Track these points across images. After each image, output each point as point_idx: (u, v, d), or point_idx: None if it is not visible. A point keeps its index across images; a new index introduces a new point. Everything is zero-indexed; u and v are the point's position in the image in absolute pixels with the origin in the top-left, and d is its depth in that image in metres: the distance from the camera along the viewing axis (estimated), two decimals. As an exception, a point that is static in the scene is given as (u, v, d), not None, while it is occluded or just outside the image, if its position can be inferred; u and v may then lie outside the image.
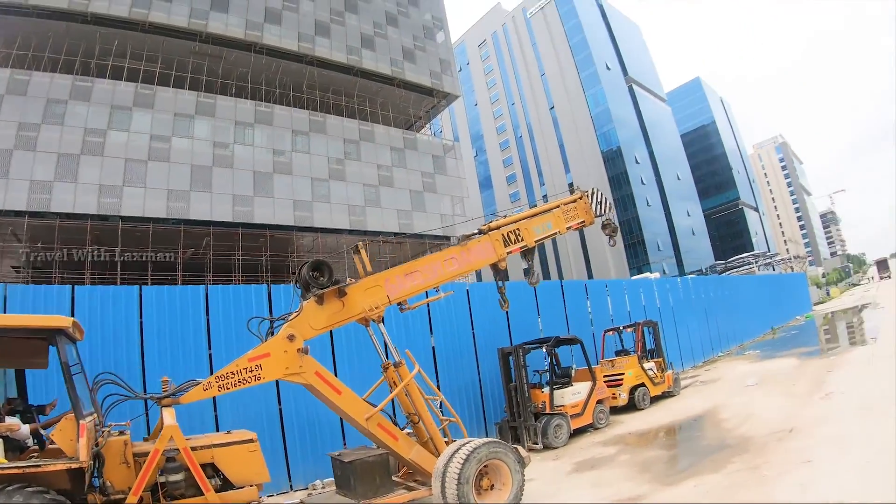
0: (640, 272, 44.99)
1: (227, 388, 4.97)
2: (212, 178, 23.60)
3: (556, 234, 8.49)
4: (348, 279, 5.96)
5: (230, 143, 24.85)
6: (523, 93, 68.74)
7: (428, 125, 37.54)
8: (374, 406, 5.66)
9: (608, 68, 64.48)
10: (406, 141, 32.28)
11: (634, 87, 68.76)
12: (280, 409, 7.99)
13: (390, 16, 33.97)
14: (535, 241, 7.93)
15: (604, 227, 9.20)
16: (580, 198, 8.89)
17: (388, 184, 29.99)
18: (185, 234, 20.93)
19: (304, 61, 28.18)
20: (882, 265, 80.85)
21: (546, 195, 58.23)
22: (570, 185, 59.65)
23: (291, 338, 5.27)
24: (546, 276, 59.40)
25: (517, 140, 69.02)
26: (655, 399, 11.60)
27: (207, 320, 7.81)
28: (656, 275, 32.98)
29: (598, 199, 9.08)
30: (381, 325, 5.96)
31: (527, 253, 7.98)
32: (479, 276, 42.96)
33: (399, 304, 6.34)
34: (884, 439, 5.50)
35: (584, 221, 8.86)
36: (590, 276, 53.21)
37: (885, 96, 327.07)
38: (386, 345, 6.07)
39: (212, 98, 25.08)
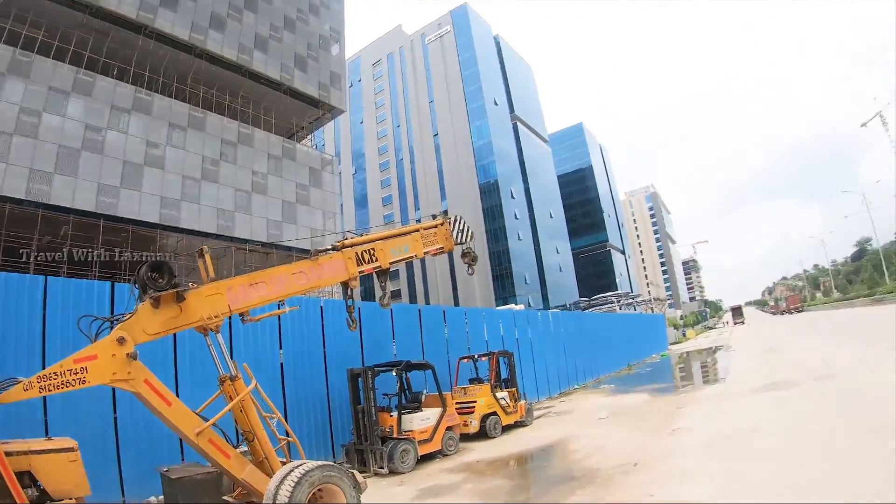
0: (506, 303, 49.50)
1: (50, 390, 4.90)
2: (79, 162, 23.34)
3: (412, 257, 8.80)
4: (190, 284, 5.90)
5: (103, 127, 24.64)
6: (410, 116, 73.04)
7: (310, 136, 38.58)
8: (208, 420, 5.66)
9: (496, 104, 70.66)
10: (285, 149, 33.33)
11: (519, 124, 75.80)
12: (115, 417, 7.73)
13: (289, 20, 34.97)
14: (390, 263, 8.19)
15: (464, 255, 9.79)
16: (441, 224, 9.34)
17: (261, 191, 30.90)
18: (42, 220, 20.75)
19: (194, 53, 28.49)
20: (737, 311, 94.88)
21: (420, 219, 62.38)
22: (445, 212, 64.97)
23: (121, 341, 5.23)
24: (412, 299, 63.40)
25: (398, 162, 72.78)
26: (507, 428, 12.25)
27: (44, 315, 7.51)
28: (521, 306, 35.25)
29: (460, 227, 9.57)
30: (219, 335, 5.99)
31: (381, 274, 8.24)
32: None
33: (242, 314, 6.44)
34: (726, 476, 6.02)
35: (443, 248, 9.27)
36: (456, 303, 57.06)
37: (754, 157, 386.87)
38: (223, 357, 6.15)
39: (91, 77, 24.76)
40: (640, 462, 7.27)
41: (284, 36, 34.49)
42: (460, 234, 9.49)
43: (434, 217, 9.68)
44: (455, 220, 9.59)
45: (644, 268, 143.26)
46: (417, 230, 8.98)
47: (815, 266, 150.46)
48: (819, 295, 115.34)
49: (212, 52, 29.46)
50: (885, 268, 58.71)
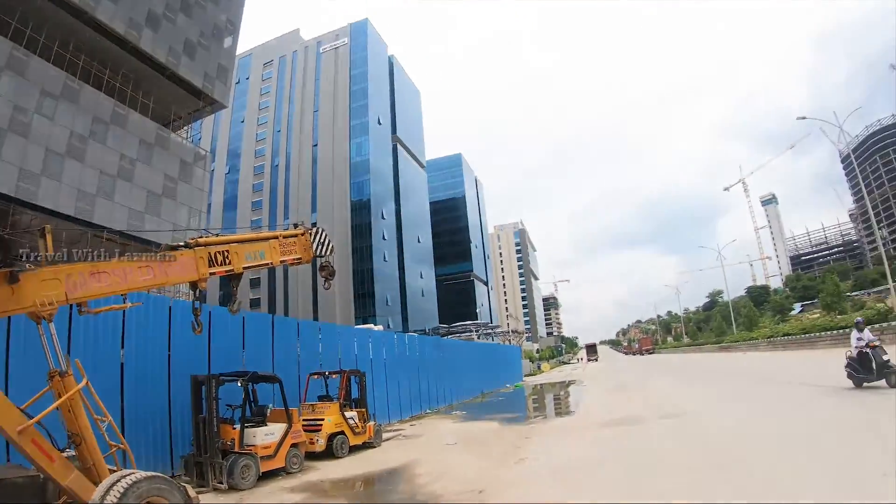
0: (366, 322, 51.52)
1: None
2: (-68, 119, 21.28)
3: (268, 264, 8.86)
4: (28, 265, 5.68)
5: (-38, 81, 22.79)
6: (292, 123, 74.38)
7: (187, 128, 37.98)
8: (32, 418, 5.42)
9: (379, 123, 73.93)
10: (158, 137, 32.70)
11: (399, 146, 79.82)
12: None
13: (186, 2, 34.30)
14: (244, 268, 8.17)
15: (322, 268, 10.05)
16: (302, 234, 9.48)
17: (127, 177, 30.23)
18: None
19: (82, 19, 27.56)
20: (591, 349, 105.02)
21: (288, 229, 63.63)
22: (314, 224, 67.01)
23: None
24: (272, 310, 63.76)
25: (273, 168, 73.55)
26: (355, 449, 12.33)
27: None
28: (380, 327, 36.28)
29: (321, 240, 9.72)
30: (52, 325, 5.77)
31: (232, 278, 8.21)
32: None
33: (79, 305, 6.29)
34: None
35: (300, 258, 9.40)
36: (316, 318, 58.19)
37: (622, 207, 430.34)
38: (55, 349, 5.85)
39: (-44, 24, 22.86)
40: (485, 489, 7.53)
41: (179, 18, 33.86)
42: (320, 247, 9.75)
43: (295, 226, 9.82)
44: (316, 232, 9.81)
45: (505, 300, 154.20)
46: (276, 237, 9.12)
47: (669, 312, 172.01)
48: (670, 339, 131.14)
49: (100, 21, 28.48)
50: (732, 318, 68.15)
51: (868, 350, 12.99)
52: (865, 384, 13.16)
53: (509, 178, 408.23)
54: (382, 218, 71.20)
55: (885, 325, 25.26)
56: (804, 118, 33.82)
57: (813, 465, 6.80)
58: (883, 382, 12.80)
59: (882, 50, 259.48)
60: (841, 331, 30.00)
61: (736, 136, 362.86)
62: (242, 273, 8.31)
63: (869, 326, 24.08)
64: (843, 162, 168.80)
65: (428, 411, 21.29)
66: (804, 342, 35.59)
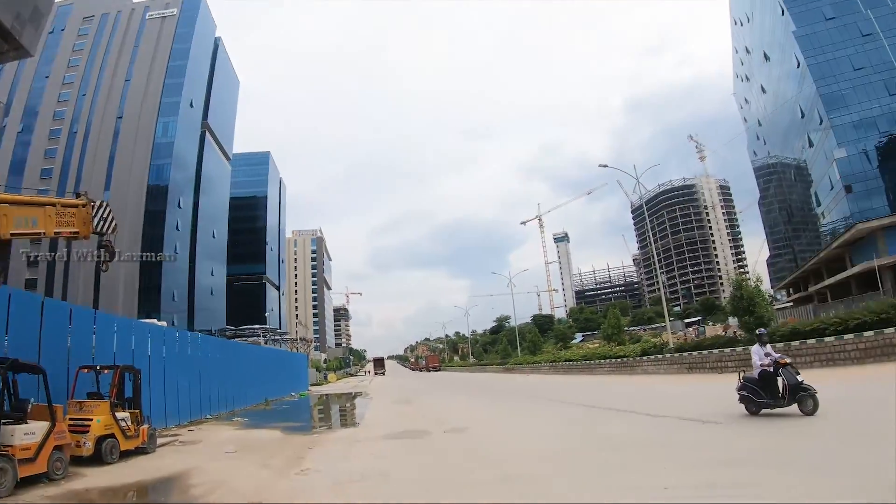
0: (150, 317, 49.27)
1: None
2: None
3: (40, 234, 8.40)
4: None
5: None
6: (100, 89, 70.48)
7: None
8: None
9: (192, 105, 72.95)
10: None
11: (208, 134, 78.91)
12: None
13: None
14: (12, 234, 7.68)
15: (101, 246, 9.70)
16: (84, 205, 8.93)
17: None
18: None
19: None
20: (379, 363, 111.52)
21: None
22: (103, 202, 64.28)
23: None
24: (49, 293, 59.16)
25: (70, 135, 68.99)
26: (127, 454, 11.68)
27: None
28: (164, 323, 35.66)
29: (104, 215, 9.21)
30: None
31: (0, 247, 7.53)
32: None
33: None
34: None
35: (78, 232, 8.92)
36: (96, 307, 54.74)
37: (421, 227, 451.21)
38: None
39: None
40: (263, 502, 7.45)
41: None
42: (102, 223, 9.20)
43: (78, 196, 9.24)
44: (100, 206, 9.27)
45: (296, 307, 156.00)
46: (54, 204, 8.58)
47: (457, 333, 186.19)
48: (457, 358, 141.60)
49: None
50: (518, 342, 74.56)
51: (772, 369, 10.87)
52: (765, 410, 11.07)
53: (316, 184, 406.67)
54: (179, 207, 70.08)
55: (659, 356, 29.74)
56: (606, 166, 39.39)
57: (593, 477, 7.45)
58: (789, 409, 10.66)
59: (683, 122, 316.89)
60: (620, 359, 34.64)
61: (540, 177, 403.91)
62: (10, 241, 7.78)
63: (647, 356, 29.66)
64: (633, 212, 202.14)
65: (208, 417, 20.97)
66: (584, 368, 39.86)
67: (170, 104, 69.96)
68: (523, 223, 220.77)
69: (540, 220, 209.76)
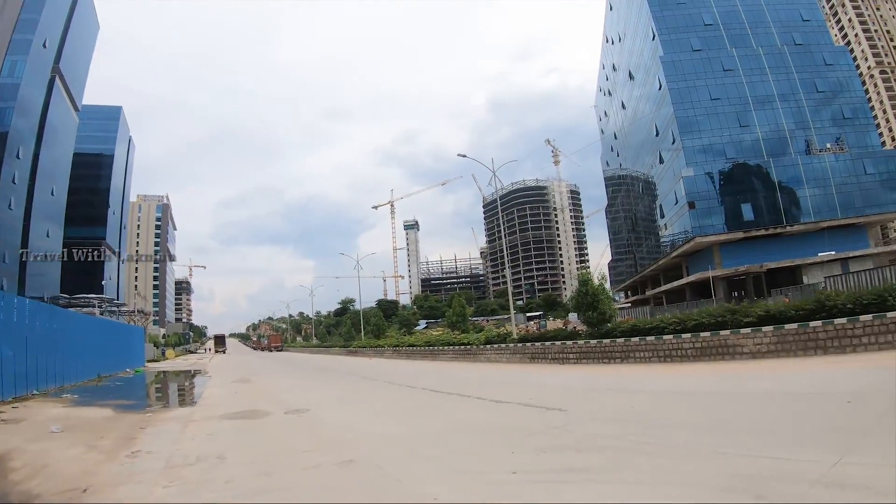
0: None
1: None
2: None
3: None
4: None
5: None
6: None
7: None
8: None
9: (44, 46, 69.14)
10: None
11: (58, 80, 74.69)
12: None
13: None
14: None
15: None
16: None
17: None
18: None
19: None
20: (220, 340, 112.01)
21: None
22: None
23: None
24: None
25: None
26: None
27: None
28: None
29: None
30: None
31: None
32: None
33: None
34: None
35: None
36: None
37: (265, 202, 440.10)
38: None
39: None
40: (90, 487, 7.14)
41: None
42: None
43: None
44: None
45: (136, 277, 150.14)
46: None
47: (301, 313, 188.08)
48: (300, 339, 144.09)
49: None
50: (362, 326, 76.58)
51: None
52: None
53: (165, 147, 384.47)
54: (17, 158, 66.02)
55: (503, 345, 31.18)
56: (465, 156, 42.96)
57: (438, 462, 7.65)
58: None
59: (542, 127, 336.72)
60: (463, 346, 35.75)
61: (396, 163, 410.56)
62: None
63: (490, 345, 30.84)
64: (484, 207, 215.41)
65: (35, 392, 20.16)
66: (427, 353, 41.06)
67: (21, 42, 65.57)
68: (375, 207, 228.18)
69: (392, 205, 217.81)
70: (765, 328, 17.24)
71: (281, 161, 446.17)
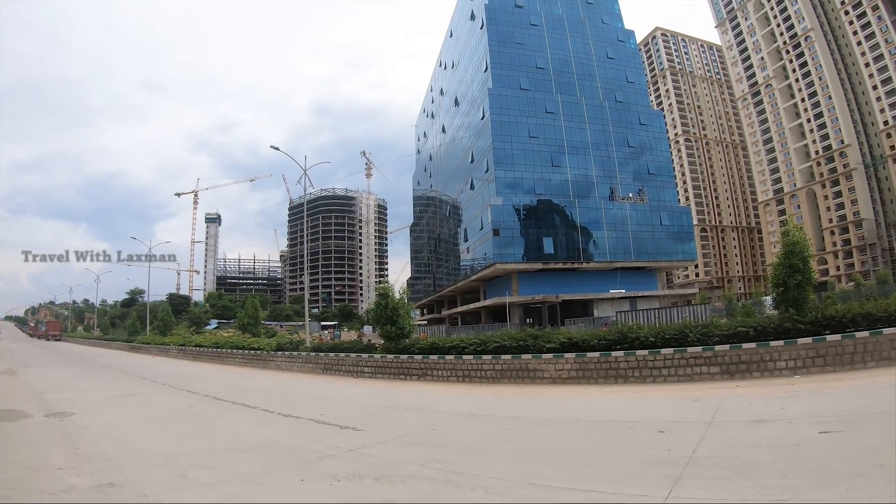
0: None
1: None
2: None
3: None
4: None
5: None
6: None
7: None
8: None
9: None
10: None
11: None
12: None
13: None
14: None
15: None
16: None
17: None
18: None
19: None
20: None
21: None
22: None
23: None
24: None
25: None
26: None
27: None
28: None
29: None
30: None
31: None
32: None
33: None
34: None
35: None
36: None
37: (60, 172, 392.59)
38: None
39: None
40: None
41: None
42: None
43: None
44: None
45: None
46: None
47: (86, 301, 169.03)
48: (80, 328, 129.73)
49: None
50: (148, 320, 71.41)
51: None
52: None
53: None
54: None
55: (295, 353, 29.92)
56: (277, 149, 37.84)
57: (212, 491, 6.67)
58: None
59: (360, 138, 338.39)
60: (253, 351, 33.45)
61: (207, 151, 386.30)
62: None
63: (282, 352, 29.55)
64: (290, 210, 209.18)
65: None
66: (215, 356, 38.46)
67: None
68: (178, 195, 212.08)
69: (196, 195, 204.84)
70: (567, 355, 17.46)
71: (86, 128, 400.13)
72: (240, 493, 6.52)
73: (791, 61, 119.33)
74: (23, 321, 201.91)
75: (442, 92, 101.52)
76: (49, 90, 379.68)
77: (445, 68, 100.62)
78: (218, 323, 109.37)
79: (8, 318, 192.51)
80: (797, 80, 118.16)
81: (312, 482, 6.74)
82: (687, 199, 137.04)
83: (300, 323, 62.67)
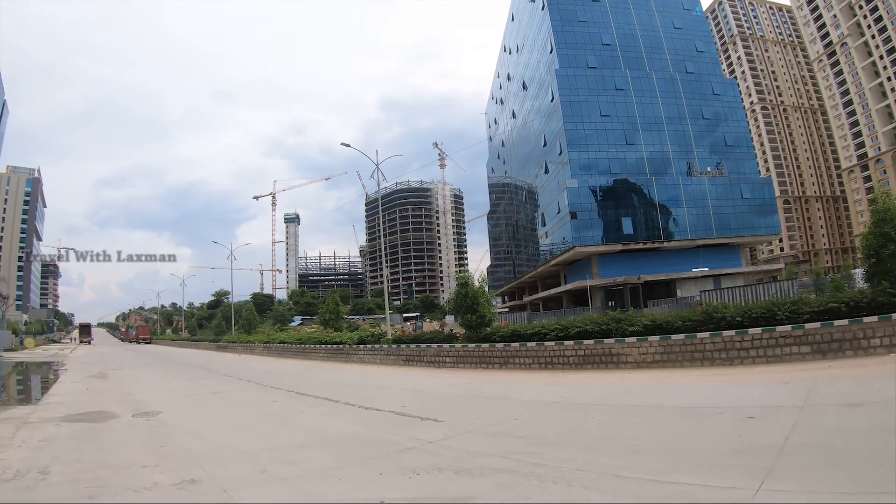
0: None
1: None
2: None
3: None
4: None
5: None
6: None
7: None
8: None
9: None
10: None
11: None
12: None
13: None
14: None
15: None
16: None
17: None
18: None
19: None
20: (85, 330, 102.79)
21: None
22: None
23: None
24: None
25: None
26: None
27: None
28: None
29: None
30: None
31: None
32: None
33: None
34: None
35: None
36: None
37: (143, 184, 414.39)
38: None
39: None
40: None
41: None
42: None
43: None
44: None
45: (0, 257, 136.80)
46: None
47: (174, 304, 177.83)
48: (169, 331, 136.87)
49: None
50: (233, 320, 73.40)
51: None
52: None
53: (39, 115, 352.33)
54: None
55: (377, 345, 29.88)
56: (348, 145, 39.92)
57: (301, 487, 6.55)
58: None
59: (432, 130, 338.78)
60: (336, 346, 33.75)
61: (282, 154, 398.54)
62: None
63: (364, 345, 29.58)
64: (367, 205, 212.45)
65: None
66: (298, 351, 38.67)
67: None
68: (256, 198, 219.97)
69: (274, 197, 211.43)
70: (651, 338, 16.90)
71: (164, 141, 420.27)
72: (318, 487, 6.53)
73: (865, 16, 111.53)
74: (114, 327, 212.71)
75: (509, 77, 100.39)
76: (127, 107, 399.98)
77: (510, 53, 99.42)
78: (302, 319, 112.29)
79: (100, 325, 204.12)
80: (873, 37, 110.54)
81: (391, 476, 6.67)
82: (767, 170, 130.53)
83: (382, 316, 63.61)
